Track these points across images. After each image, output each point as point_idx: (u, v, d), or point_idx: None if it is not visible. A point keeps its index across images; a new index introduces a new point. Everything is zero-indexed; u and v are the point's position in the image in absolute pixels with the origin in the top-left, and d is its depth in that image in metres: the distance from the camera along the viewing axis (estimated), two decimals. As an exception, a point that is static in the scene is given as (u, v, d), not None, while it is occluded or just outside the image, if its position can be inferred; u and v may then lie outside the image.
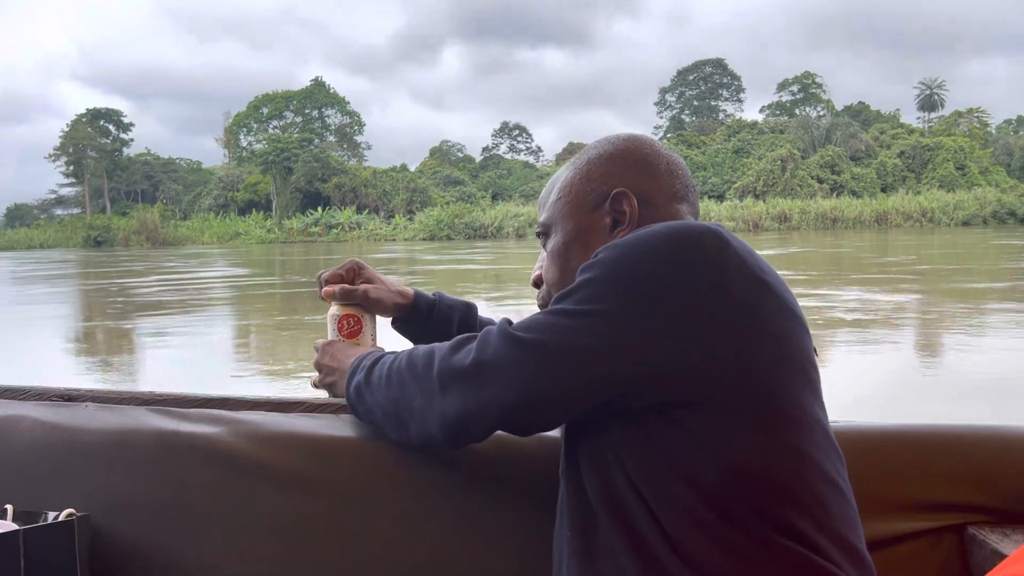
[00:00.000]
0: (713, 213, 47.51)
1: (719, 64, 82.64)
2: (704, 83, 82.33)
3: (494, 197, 58.91)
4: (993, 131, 68.92)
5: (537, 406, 0.91)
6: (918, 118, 74.55)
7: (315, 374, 1.28)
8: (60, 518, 1.08)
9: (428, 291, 1.40)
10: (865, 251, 25.58)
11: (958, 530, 1.14)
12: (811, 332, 0.95)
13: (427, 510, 1.13)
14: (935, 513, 1.13)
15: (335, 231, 52.14)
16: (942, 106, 74.04)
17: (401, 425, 1.03)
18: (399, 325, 1.38)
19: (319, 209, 54.72)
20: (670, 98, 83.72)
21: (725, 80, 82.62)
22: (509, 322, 0.95)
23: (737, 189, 55.95)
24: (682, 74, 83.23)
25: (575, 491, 0.95)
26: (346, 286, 1.30)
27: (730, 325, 0.85)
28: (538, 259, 1.16)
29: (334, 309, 1.30)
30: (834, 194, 54.06)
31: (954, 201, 49.32)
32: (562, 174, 1.11)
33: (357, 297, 1.30)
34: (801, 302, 0.98)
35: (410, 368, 1.00)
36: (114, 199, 73.96)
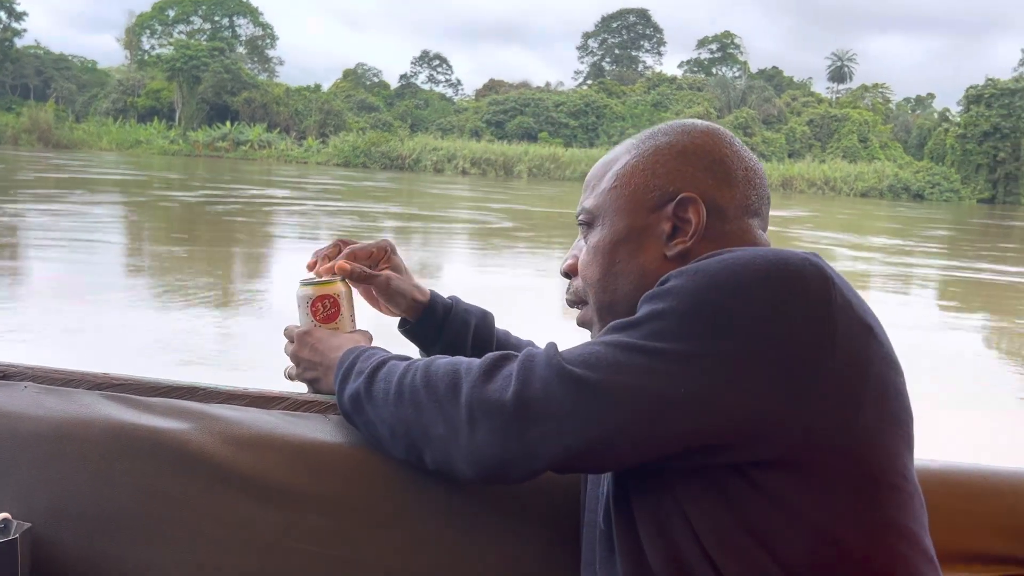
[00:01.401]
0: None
1: (643, 14, 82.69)
2: (627, 32, 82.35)
3: (418, 128, 57.74)
4: (894, 108, 71.91)
5: (592, 457, 0.78)
6: (827, 88, 76.97)
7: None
8: None
9: (444, 294, 1.25)
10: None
11: None
12: None
13: (431, 532, 0.99)
14: (974, 564, 1.05)
15: (243, 148, 50.06)
16: (850, 79, 76.64)
17: (412, 447, 0.89)
18: (409, 328, 1.23)
19: (228, 123, 52.35)
20: (592, 44, 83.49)
21: (648, 31, 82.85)
22: (556, 349, 0.82)
23: (653, 142, 56.56)
24: (606, 20, 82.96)
25: (629, 550, 0.82)
26: (364, 268, 1.16)
27: (834, 379, 0.73)
28: (573, 246, 1.02)
29: (306, 290, 1.13)
30: (745, 155, 55.43)
31: (855, 172, 51.56)
32: (620, 156, 0.96)
33: (378, 284, 1.16)
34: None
35: (429, 388, 0.86)
36: (0, 93, 68.71)
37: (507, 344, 1.26)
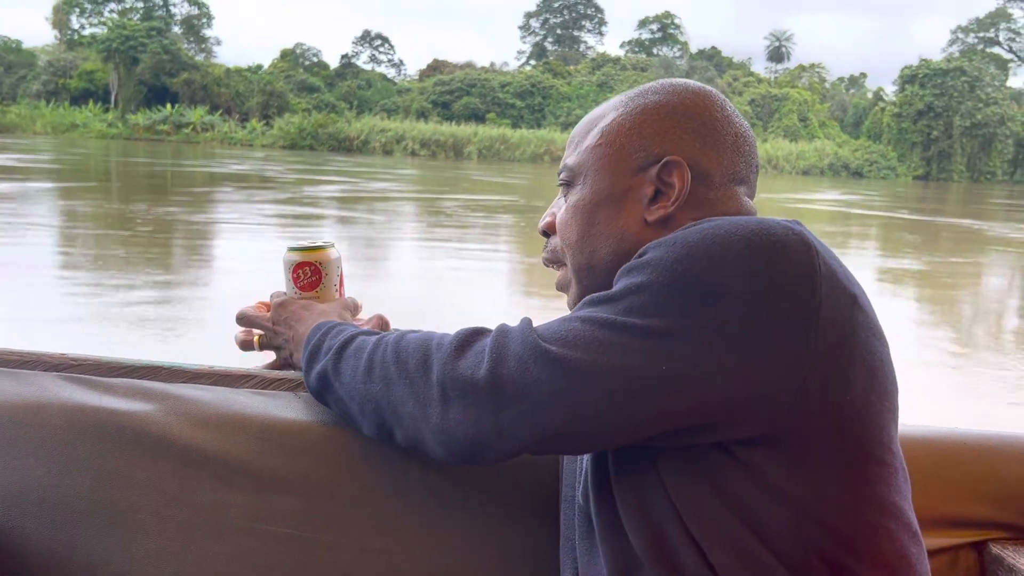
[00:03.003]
0: (578, 144, 48.18)
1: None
2: (568, 12, 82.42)
3: (361, 110, 57.00)
4: (829, 87, 73.67)
5: (569, 438, 0.75)
6: (766, 68, 78.41)
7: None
8: None
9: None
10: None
11: (978, 547, 1.05)
12: None
13: (406, 510, 0.96)
14: (954, 529, 1.04)
15: (185, 131, 48.79)
16: (788, 59, 78.16)
17: (382, 426, 0.85)
18: None
19: (168, 106, 50.91)
20: (534, 24, 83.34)
21: (589, 11, 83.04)
22: (531, 325, 0.78)
23: (600, 122, 57.00)
24: (547, 0, 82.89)
25: (609, 527, 0.80)
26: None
27: (821, 352, 0.70)
28: (552, 203, 0.98)
29: (291, 256, 1.11)
30: (689, 135, 56.32)
31: (797, 151, 52.75)
32: (607, 113, 0.92)
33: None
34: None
35: (399, 364, 0.82)
36: (-83, 74, 65.37)
37: None
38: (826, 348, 0.71)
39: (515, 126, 54.82)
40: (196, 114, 50.10)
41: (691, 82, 0.92)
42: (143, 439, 0.93)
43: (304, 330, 1.00)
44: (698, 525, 0.73)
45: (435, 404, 0.78)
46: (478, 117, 56.48)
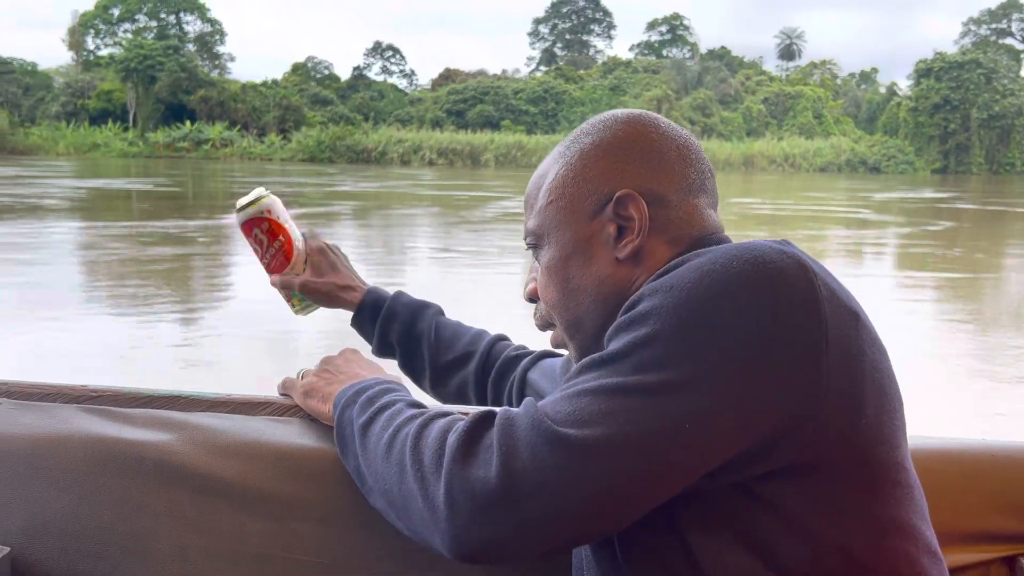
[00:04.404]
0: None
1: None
2: (577, 16, 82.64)
3: (375, 120, 57.32)
4: (840, 83, 73.56)
5: (602, 520, 0.71)
6: (777, 66, 78.35)
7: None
8: None
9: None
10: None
11: (1009, 562, 1.02)
12: None
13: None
14: (984, 544, 1.02)
15: (205, 147, 49.28)
16: (799, 56, 78.11)
17: (388, 510, 0.82)
18: (352, 322, 1.30)
19: (187, 123, 51.38)
20: (543, 29, 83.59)
21: (597, 15, 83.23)
22: (535, 406, 0.73)
23: (615, 126, 57.17)
24: (556, 5, 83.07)
25: (616, 567, 0.79)
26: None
27: (834, 377, 0.69)
28: (530, 269, 0.98)
29: (240, 216, 1.19)
30: (705, 136, 56.38)
31: (813, 148, 52.77)
32: (551, 168, 0.92)
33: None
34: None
35: (415, 454, 0.77)
36: (-62, 100, 66.22)
37: (453, 337, 1.28)
38: (838, 370, 0.70)
39: (529, 132, 55.01)
40: (215, 130, 50.57)
41: (619, 112, 0.92)
42: (163, 469, 0.94)
43: (341, 382, 0.98)
44: (712, 562, 0.72)
45: (443, 508, 0.72)
46: (492, 124, 56.70)
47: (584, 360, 0.75)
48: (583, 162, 0.89)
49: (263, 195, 1.19)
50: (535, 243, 0.93)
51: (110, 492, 0.94)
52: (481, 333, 1.31)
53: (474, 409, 0.86)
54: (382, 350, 1.29)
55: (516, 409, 0.74)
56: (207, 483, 0.94)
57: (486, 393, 1.27)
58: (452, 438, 0.74)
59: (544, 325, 0.97)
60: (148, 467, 0.94)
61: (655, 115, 0.91)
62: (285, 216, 1.22)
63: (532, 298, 0.97)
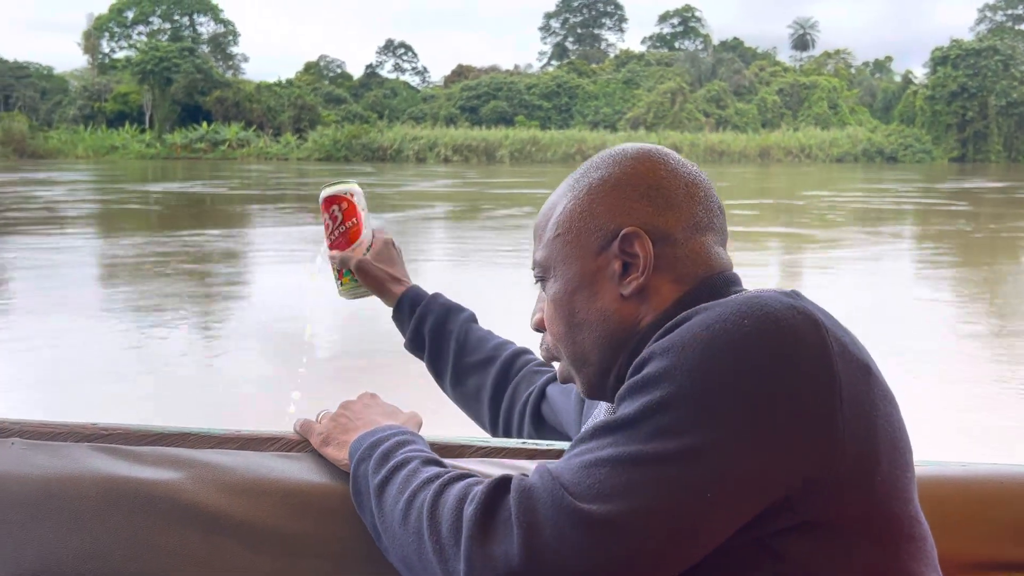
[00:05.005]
0: (609, 143, 48.40)
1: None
2: (588, 10, 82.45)
3: (391, 119, 57.49)
4: (854, 72, 73.17)
5: None
6: (790, 57, 77.94)
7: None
8: None
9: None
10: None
11: None
12: None
13: None
14: (998, 573, 1.01)
15: (222, 148, 49.61)
16: (813, 46, 77.69)
17: (409, 573, 0.80)
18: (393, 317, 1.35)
19: (204, 124, 51.70)
20: (554, 24, 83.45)
21: (608, 8, 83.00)
22: (552, 477, 0.72)
23: (629, 120, 57.16)
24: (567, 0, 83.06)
25: None
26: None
27: (849, 431, 0.70)
28: (538, 298, 0.99)
29: (327, 191, 1.31)
30: (719, 128, 56.27)
31: (829, 139, 52.62)
32: (559, 201, 0.93)
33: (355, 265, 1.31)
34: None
35: (432, 524, 0.76)
36: (-43, 105, 66.81)
37: (480, 341, 1.32)
38: (853, 426, 0.70)
39: (543, 127, 55.04)
40: (231, 131, 50.89)
41: (629, 146, 0.92)
42: (173, 508, 0.94)
43: (362, 425, 0.98)
44: None
45: None
46: (506, 120, 56.76)
47: (597, 423, 0.75)
48: (591, 197, 0.89)
49: (350, 181, 1.32)
50: (542, 275, 0.93)
51: (121, 532, 0.93)
52: (506, 343, 1.34)
53: (486, 467, 0.92)
54: (414, 343, 1.34)
55: (530, 478, 0.73)
56: (217, 521, 0.94)
57: (501, 400, 1.30)
58: (469, 510, 0.73)
59: (550, 357, 0.97)
60: (158, 506, 0.94)
61: (666, 150, 0.91)
62: (363, 205, 1.32)
63: (539, 328, 0.98)
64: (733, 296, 0.77)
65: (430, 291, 1.36)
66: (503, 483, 0.74)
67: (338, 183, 1.31)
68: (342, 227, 1.31)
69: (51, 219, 15.67)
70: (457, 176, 32.56)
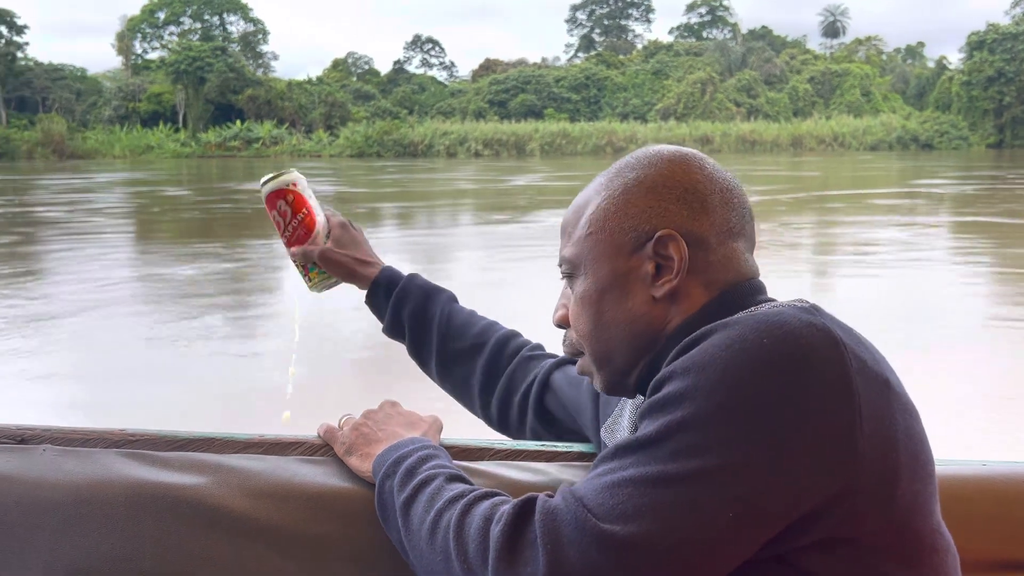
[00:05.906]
0: (640, 135, 48.32)
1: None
2: (614, 1, 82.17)
3: (419, 114, 57.76)
4: (886, 59, 72.24)
5: None
6: (820, 44, 77.13)
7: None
8: None
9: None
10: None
11: None
12: None
13: None
14: (1017, 573, 1.00)
15: (255, 146, 50.19)
16: (844, 33, 76.81)
17: None
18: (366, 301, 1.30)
19: (237, 122, 52.31)
20: (581, 15, 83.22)
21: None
22: (574, 499, 0.73)
23: (659, 111, 56.97)
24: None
25: None
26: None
27: (869, 448, 0.71)
28: (561, 294, 0.98)
29: (266, 187, 1.20)
30: (751, 117, 55.88)
31: (863, 126, 52.06)
32: (592, 198, 0.92)
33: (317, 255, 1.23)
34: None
35: (459, 543, 0.77)
36: (-4, 107, 68.09)
37: (464, 325, 1.27)
38: (873, 443, 0.71)
39: (572, 120, 55.01)
40: (264, 129, 51.46)
41: (664, 148, 0.92)
42: (199, 512, 0.96)
43: (380, 448, 0.97)
44: None
45: None
46: (535, 114, 56.80)
47: (619, 442, 0.75)
48: (626, 197, 0.88)
49: (288, 170, 1.22)
50: (570, 272, 0.92)
51: (150, 536, 0.95)
52: (492, 325, 1.29)
53: (510, 481, 0.93)
54: (393, 329, 1.29)
55: (554, 500, 0.74)
56: (243, 525, 0.96)
57: (493, 389, 1.25)
58: (495, 531, 0.74)
59: (574, 352, 0.97)
60: (185, 511, 0.96)
61: (701, 155, 0.91)
62: (309, 192, 1.23)
63: (561, 324, 0.97)
64: (752, 312, 0.78)
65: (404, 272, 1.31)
66: (528, 504, 0.75)
67: (277, 175, 1.21)
68: (294, 221, 1.22)
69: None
70: (534, 171, 32.32)
